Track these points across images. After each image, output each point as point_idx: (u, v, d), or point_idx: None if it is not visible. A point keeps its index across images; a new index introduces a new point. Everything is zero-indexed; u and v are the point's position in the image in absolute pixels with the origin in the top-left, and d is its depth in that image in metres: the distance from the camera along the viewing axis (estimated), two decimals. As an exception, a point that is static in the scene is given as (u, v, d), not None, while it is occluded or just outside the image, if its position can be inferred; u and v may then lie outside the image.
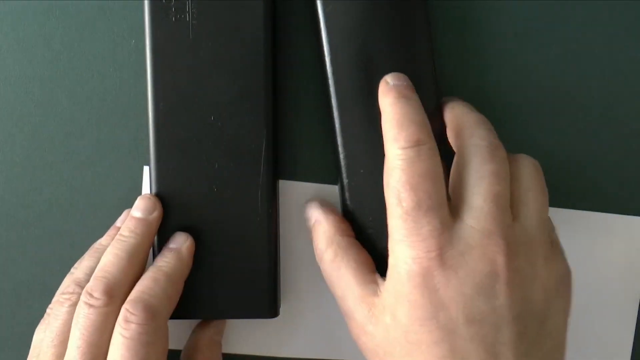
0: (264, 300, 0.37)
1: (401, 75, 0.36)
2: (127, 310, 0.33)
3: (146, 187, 0.40)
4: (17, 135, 0.40)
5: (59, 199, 0.40)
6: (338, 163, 0.37)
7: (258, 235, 0.37)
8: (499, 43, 0.40)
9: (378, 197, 0.35)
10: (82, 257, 0.38)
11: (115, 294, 0.34)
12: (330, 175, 0.40)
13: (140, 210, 0.37)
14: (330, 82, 0.37)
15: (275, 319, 0.38)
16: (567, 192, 0.41)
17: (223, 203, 0.37)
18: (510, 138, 0.40)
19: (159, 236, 0.37)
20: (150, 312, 0.33)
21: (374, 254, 0.37)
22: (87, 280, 0.35)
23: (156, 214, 0.37)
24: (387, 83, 0.35)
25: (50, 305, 0.36)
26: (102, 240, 0.38)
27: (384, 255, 0.35)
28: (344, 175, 0.37)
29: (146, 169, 0.40)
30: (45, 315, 0.36)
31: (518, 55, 0.40)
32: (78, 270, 0.37)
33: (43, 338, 0.35)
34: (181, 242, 0.36)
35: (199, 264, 0.37)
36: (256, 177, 0.37)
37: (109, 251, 0.35)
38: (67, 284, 0.36)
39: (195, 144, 0.37)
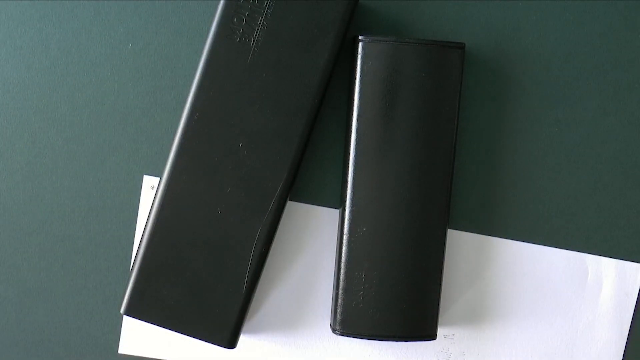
0: (227, 331, 0.37)
1: None
2: None
3: (145, 195, 0.40)
4: (17, 142, 0.40)
5: (60, 205, 0.40)
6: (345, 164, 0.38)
7: (242, 270, 0.37)
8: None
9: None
10: None
11: None
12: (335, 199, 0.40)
13: None
14: (353, 135, 0.37)
15: (232, 350, 0.38)
16: (555, 232, 0.41)
17: (222, 227, 0.37)
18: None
19: (150, 237, 0.37)
20: None
21: (366, 253, 0.38)
22: None
23: None
24: None
25: None
26: None
27: (379, 258, 0.37)
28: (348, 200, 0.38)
29: (146, 178, 0.40)
30: None
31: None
32: None
33: None
34: None
35: (180, 275, 0.37)
36: (262, 214, 0.37)
37: None
38: None
39: (216, 163, 0.36)
